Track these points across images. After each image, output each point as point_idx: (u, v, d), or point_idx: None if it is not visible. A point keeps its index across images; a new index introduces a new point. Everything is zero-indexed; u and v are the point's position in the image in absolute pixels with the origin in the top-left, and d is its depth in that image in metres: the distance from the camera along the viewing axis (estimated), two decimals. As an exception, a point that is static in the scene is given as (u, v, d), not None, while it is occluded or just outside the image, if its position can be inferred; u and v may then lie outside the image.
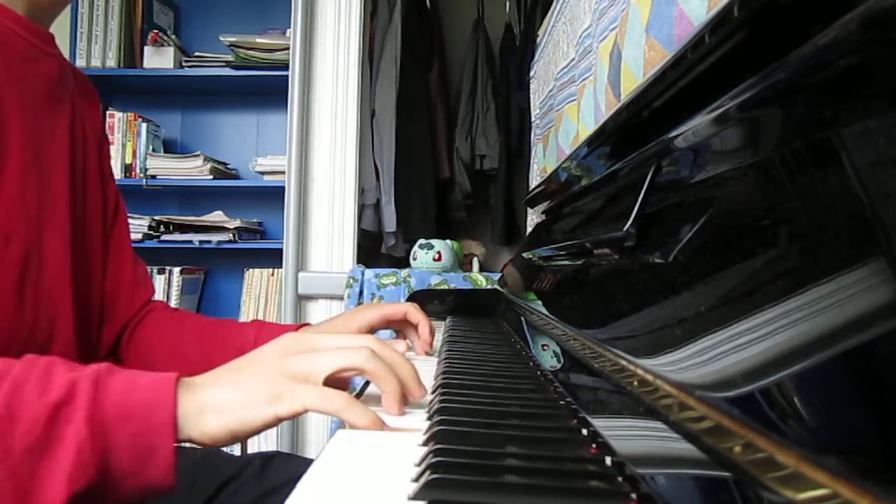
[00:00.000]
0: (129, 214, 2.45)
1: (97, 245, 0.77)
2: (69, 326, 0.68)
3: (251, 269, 2.39)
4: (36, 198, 0.64)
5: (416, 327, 0.81)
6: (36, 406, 0.38)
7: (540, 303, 0.77)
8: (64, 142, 0.69)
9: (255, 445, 2.16)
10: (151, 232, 2.33)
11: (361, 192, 2.02)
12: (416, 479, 0.34)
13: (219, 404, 0.43)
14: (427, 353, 0.81)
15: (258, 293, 2.38)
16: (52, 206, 0.66)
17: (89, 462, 0.38)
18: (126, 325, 0.83)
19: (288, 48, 1.93)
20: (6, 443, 0.36)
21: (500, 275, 1.46)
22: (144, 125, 2.37)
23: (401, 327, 0.83)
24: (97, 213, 0.77)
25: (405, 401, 0.49)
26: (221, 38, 2.25)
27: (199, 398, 0.43)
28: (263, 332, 0.81)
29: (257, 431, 0.44)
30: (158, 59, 2.35)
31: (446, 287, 1.68)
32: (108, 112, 2.38)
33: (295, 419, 1.81)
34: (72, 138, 0.70)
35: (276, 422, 0.44)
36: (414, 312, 0.80)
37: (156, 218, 2.35)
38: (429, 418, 0.46)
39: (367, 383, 0.64)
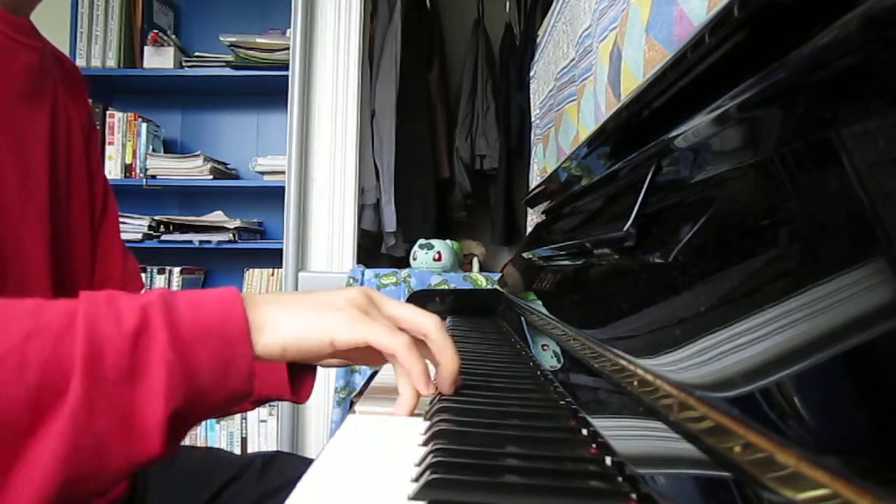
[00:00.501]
0: (129, 214, 2.44)
1: (83, 240, 0.75)
2: None
3: (251, 269, 2.39)
4: (17, 194, 0.63)
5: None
6: (116, 338, 0.38)
7: (540, 303, 0.77)
8: (44, 135, 0.67)
9: (256, 445, 2.17)
10: (151, 232, 2.33)
11: (361, 192, 2.02)
12: (416, 479, 0.34)
13: (275, 319, 0.44)
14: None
15: (258, 293, 2.38)
16: (31, 201, 0.65)
17: (179, 380, 0.39)
18: None
19: (288, 48, 1.93)
20: (100, 377, 0.37)
21: (500, 275, 1.46)
22: (144, 125, 2.37)
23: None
24: (83, 207, 0.75)
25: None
26: (221, 38, 2.25)
27: (261, 311, 0.44)
28: None
29: (312, 352, 0.45)
30: (158, 59, 2.35)
31: (446, 287, 1.68)
32: (108, 112, 2.38)
33: (295, 418, 1.81)
34: (52, 131, 0.68)
35: (329, 348, 0.45)
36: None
37: (156, 218, 2.35)
38: (429, 418, 0.46)
39: (368, 381, 0.64)
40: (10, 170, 0.62)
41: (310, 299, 0.47)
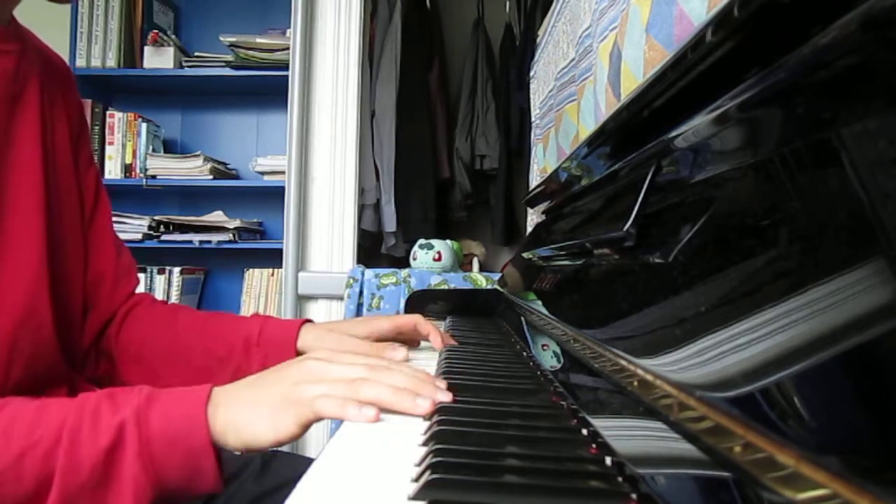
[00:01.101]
0: (129, 214, 2.44)
1: (75, 237, 0.74)
2: (49, 327, 0.66)
3: (251, 269, 2.39)
4: (1, 202, 0.63)
5: (426, 338, 0.84)
6: (93, 452, 0.46)
7: (540, 303, 0.77)
8: (32, 135, 0.67)
9: (255, 445, 2.16)
10: (151, 232, 2.33)
11: (361, 192, 2.02)
12: (416, 479, 0.34)
13: (235, 424, 0.49)
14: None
15: (258, 293, 2.38)
16: (20, 212, 0.65)
17: (146, 488, 0.46)
18: (111, 316, 0.81)
19: (288, 48, 1.93)
20: (78, 484, 0.46)
21: (500, 275, 1.46)
22: (144, 125, 2.37)
23: (411, 337, 0.84)
24: (73, 203, 0.74)
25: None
26: (221, 38, 2.25)
27: (224, 418, 0.49)
28: (267, 326, 0.80)
29: (262, 448, 0.49)
30: (158, 59, 2.35)
31: (446, 287, 1.68)
32: (108, 112, 2.37)
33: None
34: (42, 131, 0.68)
35: (275, 444, 0.49)
36: (423, 324, 0.83)
37: (156, 218, 2.35)
38: (428, 418, 0.46)
39: None
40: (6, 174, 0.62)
41: (266, 396, 0.51)
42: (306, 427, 0.49)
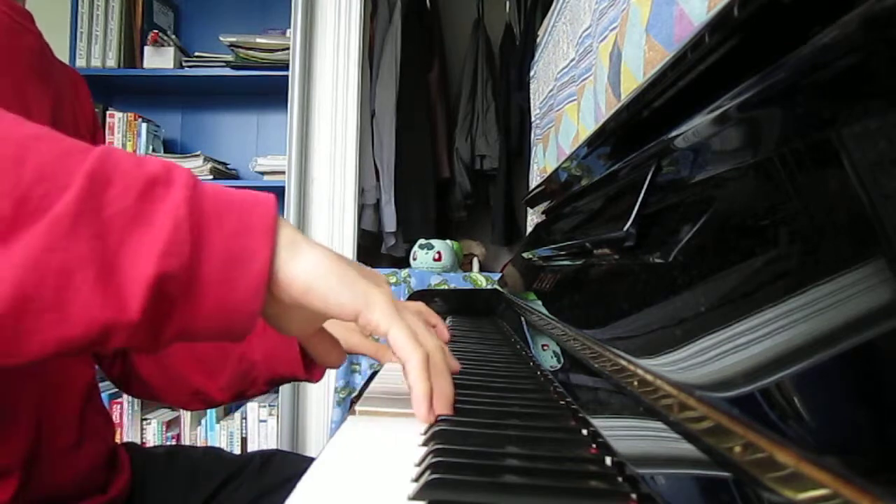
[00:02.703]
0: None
1: None
2: None
3: (251, 269, 2.39)
4: None
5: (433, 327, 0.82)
6: (132, 174, 0.33)
7: (540, 303, 0.77)
8: (47, 118, 0.68)
9: (256, 445, 2.17)
10: (151, 232, 2.33)
11: (361, 192, 2.02)
12: (416, 479, 0.34)
13: (315, 255, 0.38)
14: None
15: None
16: None
17: (184, 244, 0.33)
18: None
19: (288, 48, 1.93)
20: (98, 201, 0.32)
21: (500, 275, 1.46)
22: (144, 125, 2.37)
23: None
24: None
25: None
26: (221, 38, 2.25)
27: (298, 236, 0.38)
28: (268, 331, 0.80)
29: (336, 310, 0.39)
30: (158, 59, 2.35)
31: (446, 287, 1.68)
32: (108, 112, 2.37)
33: (295, 418, 1.81)
34: (55, 116, 0.70)
35: (353, 318, 0.39)
36: (430, 313, 0.82)
37: (156, 218, 2.35)
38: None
39: (368, 381, 0.64)
40: None
41: (354, 266, 0.41)
42: (384, 333, 0.40)
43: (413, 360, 0.41)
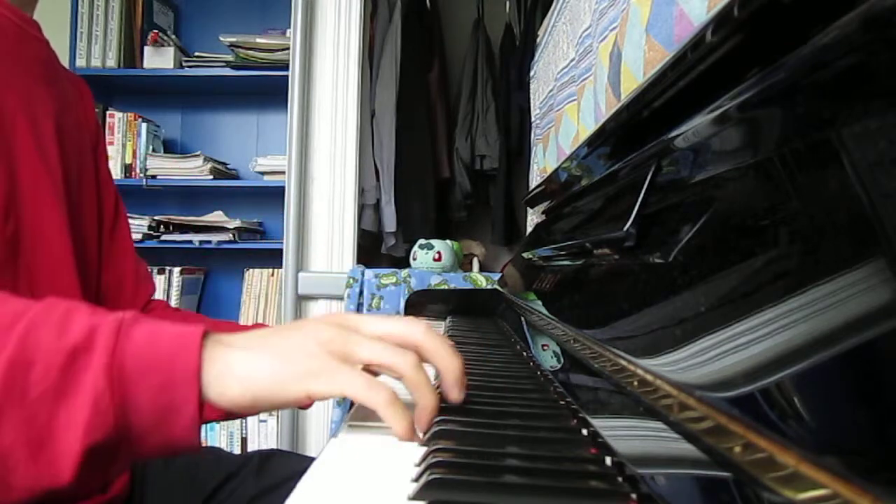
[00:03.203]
0: (129, 215, 2.46)
1: (91, 236, 0.77)
2: None
3: (251, 270, 2.39)
4: (34, 174, 0.65)
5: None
6: (52, 350, 0.35)
7: (540, 303, 0.77)
8: (52, 123, 0.69)
9: (255, 445, 2.17)
10: (151, 232, 2.33)
11: (361, 192, 2.02)
12: (416, 479, 0.34)
13: (245, 369, 0.39)
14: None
15: (258, 293, 2.38)
16: (46, 178, 0.67)
17: (107, 414, 0.35)
18: None
19: (288, 48, 1.93)
20: (21, 387, 0.34)
21: (500, 275, 1.46)
22: (144, 125, 2.37)
23: None
24: (91, 214, 0.77)
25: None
26: (221, 38, 2.25)
27: (226, 358, 0.39)
28: None
29: (284, 406, 0.40)
30: (158, 59, 2.35)
31: (446, 287, 1.68)
32: (108, 112, 2.38)
33: (295, 419, 1.81)
34: (59, 122, 0.71)
35: (307, 401, 0.40)
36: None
37: (156, 218, 2.35)
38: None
39: None
40: (25, 150, 0.64)
41: (281, 344, 0.42)
42: (339, 394, 0.40)
43: (378, 404, 0.40)
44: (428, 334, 0.45)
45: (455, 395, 0.45)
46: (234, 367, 0.39)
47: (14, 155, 0.63)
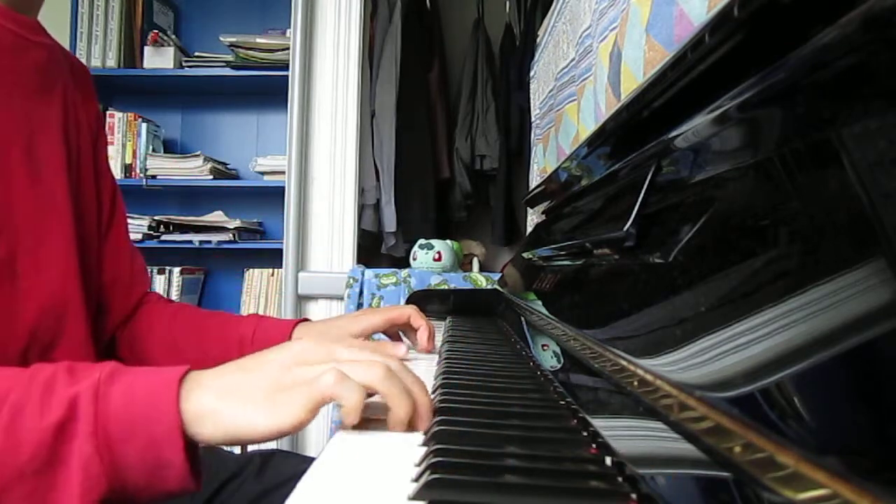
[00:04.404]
0: (129, 214, 2.46)
1: (93, 236, 0.76)
2: (81, 322, 0.68)
3: (251, 270, 2.39)
4: (30, 192, 0.64)
5: (416, 331, 0.83)
6: (38, 429, 0.38)
7: (540, 303, 0.77)
8: (57, 130, 0.69)
9: (256, 445, 2.17)
10: (151, 232, 2.33)
11: (361, 192, 2.02)
12: (416, 479, 0.34)
13: (217, 411, 0.41)
14: (428, 352, 0.83)
15: (258, 293, 2.38)
16: (50, 198, 0.66)
17: (99, 478, 0.38)
18: (124, 319, 0.83)
19: (288, 48, 1.93)
20: (17, 467, 0.38)
21: (500, 275, 1.46)
22: (144, 125, 2.37)
23: (404, 329, 0.85)
24: (91, 204, 0.76)
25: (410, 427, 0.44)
26: (221, 38, 2.25)
27: (201, 402, 0.41)
28: (262, 326, 0.81)
29: (254, 441, 0.42)
30: (158, 59, 2.35)
31: (446, 287, 1.68)
32: (108, 112, 2.37)
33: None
34: (65, 127, 0.70)
35: (276, 434, 0.41)
36: (416, 317, 0.82)
37: (156, 218, 2.35)
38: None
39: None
40: (19, 168, 0.63)
41: (257, 379, 0.43)
42: (315, 410, 0.41)
43: (347, 406, 0.42)
44: (385, 379, 0.44)
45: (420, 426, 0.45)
46: (209, 409, 0.41)
47: (7, 177, 0.61)
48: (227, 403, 0.41)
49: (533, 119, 1.67)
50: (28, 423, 0.38)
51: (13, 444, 0.38)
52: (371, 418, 0.47)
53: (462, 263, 2.04)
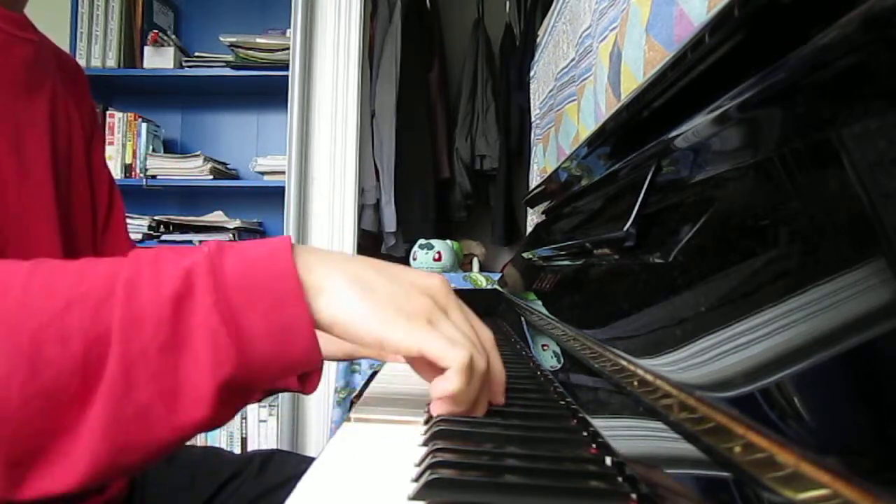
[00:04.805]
0: (129, 215, 2.46)
1: (86, 235, 0.76)
2: None
3: (251, 270, 2.39)
4: (18, 189, 0.63)
5: None
6: (156, 303, 0.36)
7: (540, 303, 0.77)
8: (44, 127, 0.68)
9: (256, 445, 2.17)
10: (151, 232, 2.33)
11: (361, 192, 2.02)
12: (416, 479, 0.34)
13: (334, 288, 0.39)
14: None
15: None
16: (37, 195, 0.66)
17: (228, 348, 0.36)
18: None
19: (288, 48, 1.93)
20: (141, 347, 0.35)
21: (500, 275, 1.46)
22: (144, 125, 2.37)
23: None
24: (84, 203, 0.75)
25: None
26: (221, 38, 2.25)
27: (319, 273, 0.39)
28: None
29: (357, 341, 0.40)
30: (158, 59, 2.35)
31: (446, 287, 1.68)
32: (108, 112, 2.37)
33: (295, 419, 1.81)
34: (52, 125, 0.69)
35: (377, 348, 0.40)
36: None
37: (156, 218, 2.35)
38: (428, 419, 0.46)
39: (367, 382, 0.63)
40: (6, 162, 0.62)
41: (375, 280, 0.41)
42: (415, 352, 0.39)
43: (453, 364, 0.40)
44: (494, 347, 0.45)
45: (498, 399, 0.46)
46: (326, 284, 0.39)
47: None
48: (343, 288, 0.39)
49: (533, 119, 1.67)
50: (145, 295, 0.36)
51: (135, 318, 0.35)
52: (371, 418, 0.47)
53: (462, 263, 2.04)
